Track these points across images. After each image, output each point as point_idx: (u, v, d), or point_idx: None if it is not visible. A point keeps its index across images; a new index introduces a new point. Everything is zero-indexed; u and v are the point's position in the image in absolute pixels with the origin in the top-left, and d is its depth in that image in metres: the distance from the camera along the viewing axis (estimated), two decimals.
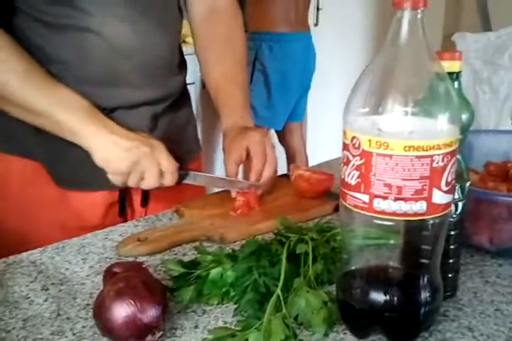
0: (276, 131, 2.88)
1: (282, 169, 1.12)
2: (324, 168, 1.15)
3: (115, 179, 0.90)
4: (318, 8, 3.28)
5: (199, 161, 1.22)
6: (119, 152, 0.87)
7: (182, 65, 1.11)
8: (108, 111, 0.96)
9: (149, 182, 0.90)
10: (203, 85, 2.73)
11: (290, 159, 2.96)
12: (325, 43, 2.98)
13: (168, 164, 0.89)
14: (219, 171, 3.01)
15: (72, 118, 0.87)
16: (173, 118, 1.07)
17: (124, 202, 1.06)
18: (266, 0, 2.49)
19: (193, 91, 2.71)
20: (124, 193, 1.05)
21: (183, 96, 1.13)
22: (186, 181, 0.95)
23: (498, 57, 1.06)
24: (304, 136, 3.09)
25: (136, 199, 1.08)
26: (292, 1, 2.53)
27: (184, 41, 2.22)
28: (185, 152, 1.13)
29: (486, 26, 3.09)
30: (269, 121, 2.66)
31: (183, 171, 0.94)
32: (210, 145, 3.04)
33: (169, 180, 0.91)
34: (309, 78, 2.75)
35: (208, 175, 0.98)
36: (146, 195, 1.08)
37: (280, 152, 2.92)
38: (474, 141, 0.95)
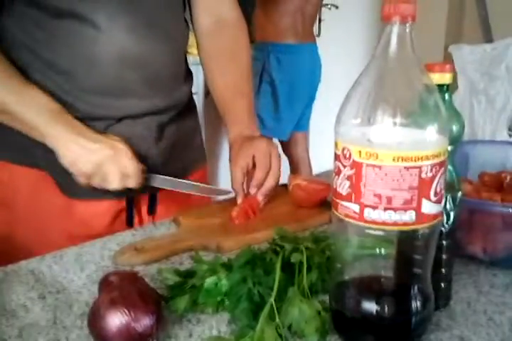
0: (281, 141, 2.90)
1: (286, 179, 1.13)
2: (324, 177, 1.15)
3: (79, 179, 0.92)
4: (320, 19, 3.30)
5: (204, 170, 1.23)
6: (83, 153, 0.89)
7: (188, 75, 1.12)
8: (114, 121, 0.98)
9: (112, 184, 0.91)
10: (206, 95, 2.75)
11: (294, 169, 2.97)
12: (327, 53, 2.99)
13: (131, 167, 0.92)
14: (223, 180, 3.01)
15: (40, 119, 0.89)
16: (179, 128, 1.09)
17: (132, 210, 1.07)
18: (273, 11, 2.51)
19: (196, 101, 2.73)
20: (132, 201, 1.06)
21: (189, 105, 1.14)
22: (150, 184, 0.98)
23: (495, 69, 1.07)
24: (308, 145, 3.10)
25: (144, 207, 1.09)
26: (299, 12, 2.55)
27: (187, 51, 2.23)
28: (190, 161, 1.15)
29: (488, 37, 3.10)
30: (276, 132, 2.68)
31: (146, 174, 0.96)
32: (214, 155, 3.05)
33: (132, 182, 0.92)
34: (315, 88, 2.77)
35: (173, 179, 0.99)
36: (153, 203, 1.09)
37: (284, 161, 2.93)
38: (470, 152, 0.96)
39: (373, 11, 3.64)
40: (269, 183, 0.99)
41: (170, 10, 1.02)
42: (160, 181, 0.98)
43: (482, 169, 0.94)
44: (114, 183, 0.91)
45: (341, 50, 3.54)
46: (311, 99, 2.80)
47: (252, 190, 0.98)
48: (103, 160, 0.89)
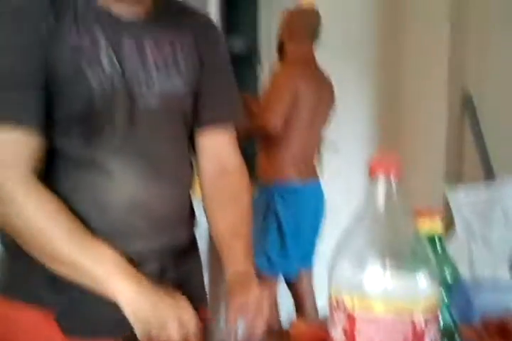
0: (286, 279, 2.86)
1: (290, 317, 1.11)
2: (327, 321, 1.13)
3: (139, 328, 0.92)
4: (321, 157, 3.41)
5: (204, 311, 1.21)
6: (145, 304, 0.91)
7: (192, 217, 1.16)
8: None
9: (171, 333, 0.91)
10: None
11: (298, 303, 2.89)
12: (330, 188, 3.07)
13: (189, 316, 0.93)
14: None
15: (104, 273, 0.91)
16: (181, 270, 1.10)
17: None
18: (275, 155, 2.61)
19: (201, 240, 2.74)
20: None
21: (192, 247, 1.16)
22: (207, 335, 0.96)
23: (490, 211, 1.10)
24: (312, 280, 3.05)
25: None
26: (301, 154, 2.64)
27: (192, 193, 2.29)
28: (190, 301, 1.14)
29: (489, 175, 3.17)
30: (283, 269, 2.66)
31: (203, 325, 0.96)
32: (218, 295, 2.99)
33: (191, 331, 0.92)
34: (320, 224, 2.79)
35: (227, 328, 0.98)
36: None
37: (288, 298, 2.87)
38: (472, 295, 0.95)
39: (372, 147, 3.78)
40: (259, 329, 0.98)
41: (178, 156, 1.08)
42: (216, 332, 0.98)
43: (484, 312, 0.92)
44: (173, 331, 0.91)
45: (344, 185, 3.62)
46: (316, 234, 2.82)
47: (243, 336, 0.97)
48: (163, 308, 0.91)
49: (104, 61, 0.97)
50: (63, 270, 0.93)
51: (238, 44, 2.91)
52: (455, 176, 3.37)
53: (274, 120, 2.44)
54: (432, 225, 0.63)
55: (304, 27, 2.53)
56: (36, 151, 0.95)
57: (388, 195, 0.57)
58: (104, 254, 0.93)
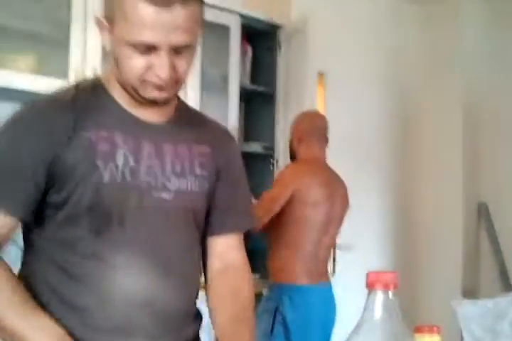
0: None
1: None
2: None
3: None
4: (334, 259, 3.37)
5: None
6: None
7: (197, 315, 1.15)
8: None
9: None
10: None
11: None
12: (343, 292, 3.01)
13: None
14: None
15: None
16: None
17: None
18: (286, 254, 2.61)
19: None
20: None
21: None
22: None
23: (498, 324, 1.09)
24: None
25: None
26: (313, 257, 2.63)
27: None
28: None
29: (507, 288, 3.11)
30: None
31: None
32: None
33: None
34: (330, 330, 2.71)
35: None
36: None
37: None
38: None
39: (389, 245, 3.75)
40: None
41: (187, 255, 1.10)
42: None
43: None
44: None
45: (357, 288, 3.55)
46: (327, 339, 2.73)
47: None
48: None
49: (119, 159, 1.02)
50: (3, 336, 0.94)
51: (255, 146, 3.02)
52: (472, 290, 3.31)
53: (260, 219, 2.47)
54: (431, 339, 0.64)
55: (312, 130, 2.63)
56: (7, 231, 0.97)
57: (386, 308, 0.58)
58: (43, 324, 0.93)
